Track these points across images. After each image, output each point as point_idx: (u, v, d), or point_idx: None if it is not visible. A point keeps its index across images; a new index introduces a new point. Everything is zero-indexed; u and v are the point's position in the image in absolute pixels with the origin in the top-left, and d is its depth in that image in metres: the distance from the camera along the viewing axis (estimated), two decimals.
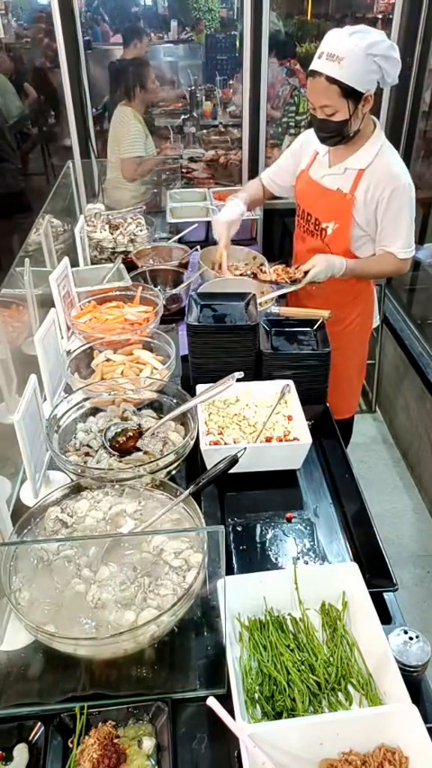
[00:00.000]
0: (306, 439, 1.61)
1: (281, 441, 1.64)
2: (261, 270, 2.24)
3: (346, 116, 2.01)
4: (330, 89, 1.95)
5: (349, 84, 1.93)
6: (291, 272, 2.20)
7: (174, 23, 6.68)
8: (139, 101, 3.83)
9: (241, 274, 2.48)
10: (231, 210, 2.45)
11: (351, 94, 1.96)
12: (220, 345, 1.83)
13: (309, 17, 5.78)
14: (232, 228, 2.44)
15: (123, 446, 1.55)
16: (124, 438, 1.57)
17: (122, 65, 4.24)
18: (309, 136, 2.34)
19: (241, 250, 2.64)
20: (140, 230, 2.81)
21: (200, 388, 1.70)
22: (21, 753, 1.06)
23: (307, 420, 1.67)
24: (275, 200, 4.01)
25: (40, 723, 1.08)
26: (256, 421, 1.70)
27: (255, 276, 2.23)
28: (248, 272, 2.28)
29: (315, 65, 1.97)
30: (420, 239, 3.83)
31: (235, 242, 2.61)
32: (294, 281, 2.17)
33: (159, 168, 3.97)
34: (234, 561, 1.42)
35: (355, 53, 1.90)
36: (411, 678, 1.11)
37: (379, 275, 2.36)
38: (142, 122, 3.84)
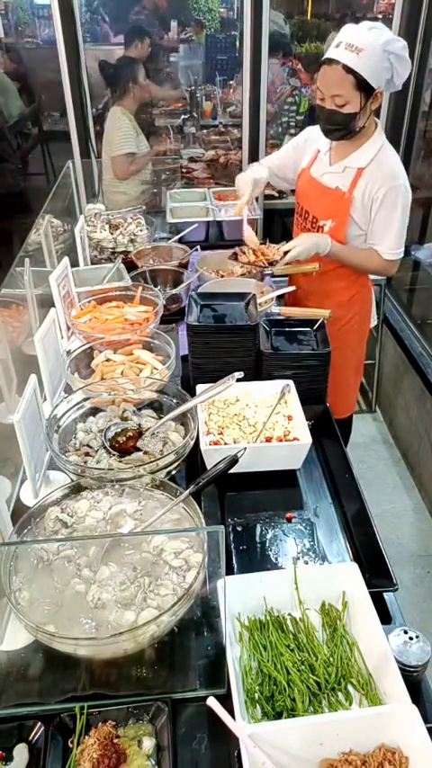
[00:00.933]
0: (306, 439, 1.61)
1: (281, 441, 1.64)
2: (241, 251, 2.23)
3: (356, 109, 2.01)
4: (346, 79, 1.96)
5: (365, 77, 1.94)
6: (269, 253, 2.17)
7: (174, 23, 6.67)
8: (131, 99, 3.83)
9: (242, 274, 2.49)
10: (257, 172, 2.43)
11: (364, 88, 1.97)
12: (220, 345, 1.83)
13: (309, 17, 5.78)
14: (256, 189, 2.42)
15: (123, 446, 1.55)
16: (124, 438, 1.57)
17: (114, 63, 4.23)
18: (312, 133, 2.34)
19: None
20: (140, 230, 2.81)
21: (200, 388, 1.70)
22: (21, 753, 1.06)
23: (307, 420, 1.67)
24: (275, 201, 4.04)
25: (40, 723, 1.08)
26: (256, 421, 1.70)
27: (235, 257, 2.22)
28: (231, 255, 2.26)
29: (332, 53, 1.97)
30: (420, 239, 3.83)
31: (234, 242, 2.60)
32: (272, 263, 2.15)
33: (159, 168, 3.97)
34: (234, 561, 1.42)
35: (373, 47, 1.92)
36: (411, 678, 1.11)
37: (362, 269, 2.32)
38: (133, 120, 3.83)
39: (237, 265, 2.54)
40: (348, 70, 1.94)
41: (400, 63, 1.97)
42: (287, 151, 2.49)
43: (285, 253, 2.16)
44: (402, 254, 2.23)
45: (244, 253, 2.22)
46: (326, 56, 2.00)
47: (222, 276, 2.47)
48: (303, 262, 2.26)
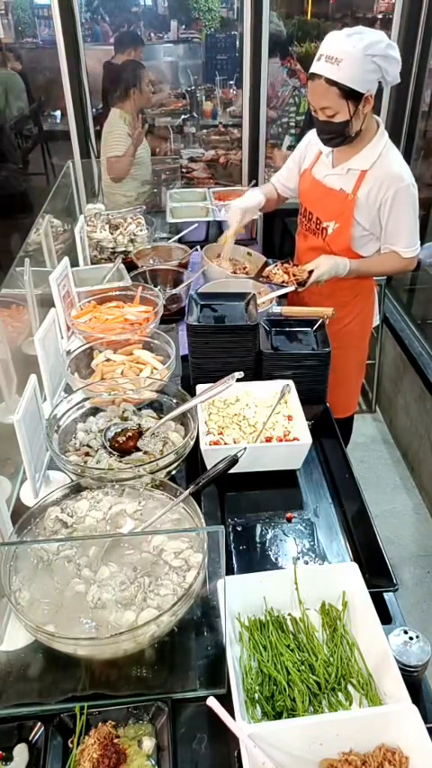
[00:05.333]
0: (306, 439, 1.61)
1: (281, 441, 1.64)
2: (272, 272, 2.27)
3: (347, 117, 2.01)
4: (330, 91, 1.96)
5: (348, 86, 1.94)
6: (297, 273, 2.22)
7: (174, 23, 6.68)
8: (131, 103, 3.82)
9: (245, 270, 2.49)
10: (248, 199, 2.47)
11: (351, 95, 1.97)
12: (220, 345, 1.83)
13: (308, 17, 5.78)
14: (246, 217, 2.45)
15: (123, 446, 1.55)
16: (124, 438, 1.57)
17: (117, 65, 4.24)
18: (313, 136, 2.35)
19: (236, 249, 2.63)
20: (140, 230, 2.81)
21: (200, 388, 1.70)
22: (21, 753, 1.06)
23: (307, 420, 1.67)
24: None
25: (40, 723, 1.08)
26: (256, 421, 1.70)
27: (268, 278, 2.25)
28: (263, 275, 2.29)
29: (314, 67, 1.98)
30: (420, 239, 3.82)
31: (234, 242, 2.60)
32: (301, 284, 2.20)
33: (159, 168, 3.97)
34: (234, 561, 1.42)
35: (353, 54, 1.91)
36: (411, 678, 1.11)
37: (384, 273, 2.39)
38: (130, 124, 3.83)
39: (244, 260, 2.55)
40: (331, 82, 1.95)
41: (387, 62, 1.95)
42: (293, 161, 2.50)
43: (310, 272, 2.20)
44: (419, 247, 2.26)
45: (275, 274, 2.26)
46: (310, 70, 2.01)
47: (234, 272, 2.48)
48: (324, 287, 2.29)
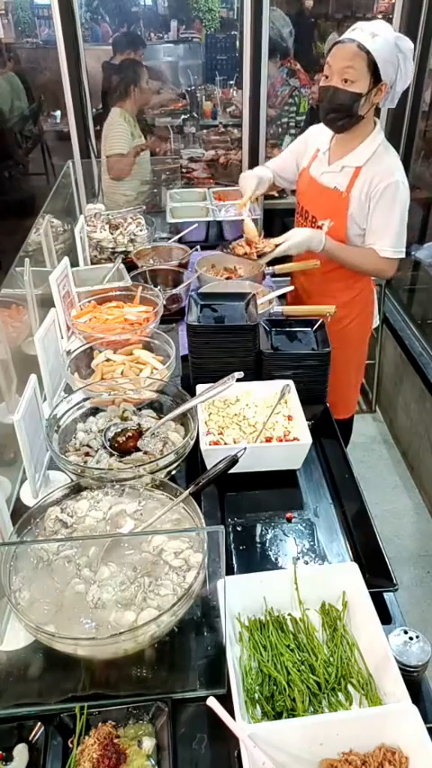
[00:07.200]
0: (306, 439, 1.61)
1: (281, 441, 1.64)
2: (238, 244, 2.25)
3: (363, 89, 2.01)
4: (359, 56, 1.98)
5: (376, 60, 1.97)
6: (260, 246, 2.17)
7: (174, 23, 6.68)
8: (132, 101, 3.82)
9: (239, 276, 2.48)
10: (260, 171, 2.50)
11: (374, 72, 2.00)
12: (220, 345, 1.83)
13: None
14: (259, 187, 2.45)
15: (123, 446, 1.55)
16: (124, 438, 1.57)
17: (116, 64, 4.24)
18: (313, 132, 2.37)
19: (229, 255, 2.63)
20: (140, 230, 2.81)
21: (200, 388, 1.70)
22: (21, 753, 1.06)
23: (307, 420, 1.67)
24: (275, 201, 4.04)
25: (40, 723, 1.08)
26: (256, 421, 1.70)
27: (233, 250, 2.24)
28: (228, 248, 2.27)
29: (348, 34, 2.01)
30: (420, 239, 3.83)
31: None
32: (261, 255, 2.16)
33: (159, 168, 3.97)
34: (234, 561, 1.42)
35: (386, 38, 1.98)
36: (411, 678, 1.11)
37: (359, 269, 2.27)
38: (130, 123, 3.82)
39: (238, 265, 2.55)
40: (363, 49, 1.97)
41: (405, 63, 2.02)
42: (289, 152, 2.51)
43: (277, 246, 2.16)
44: (402, 255, 2.19)
45: (240, 245, 2.24)
46: (341, 37, 2.03)
47: (229, 277, 2.47)
48: (302, 258, 2.27)
